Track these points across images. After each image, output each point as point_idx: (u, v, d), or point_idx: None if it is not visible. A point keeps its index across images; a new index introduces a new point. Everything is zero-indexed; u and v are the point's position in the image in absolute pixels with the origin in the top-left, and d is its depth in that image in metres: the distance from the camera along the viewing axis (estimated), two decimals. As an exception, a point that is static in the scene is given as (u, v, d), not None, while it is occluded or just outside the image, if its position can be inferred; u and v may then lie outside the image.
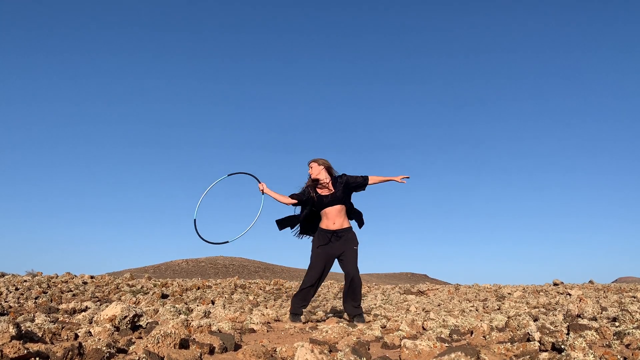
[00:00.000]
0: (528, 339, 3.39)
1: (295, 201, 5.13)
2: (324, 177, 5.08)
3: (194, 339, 3.00)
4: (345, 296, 5.00)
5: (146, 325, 3.82)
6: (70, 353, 2.41)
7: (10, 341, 2.49)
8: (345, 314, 5.37)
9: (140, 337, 3.29)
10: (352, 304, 4.96)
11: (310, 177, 5.12)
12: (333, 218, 5.01)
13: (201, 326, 3.68)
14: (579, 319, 4.79)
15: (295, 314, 4.94)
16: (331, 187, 5.05)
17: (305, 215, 5.14)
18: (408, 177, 5.08)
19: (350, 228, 5.09)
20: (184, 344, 2.86)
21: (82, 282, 11.34)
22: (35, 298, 7.75)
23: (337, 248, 4.98)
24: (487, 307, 7.28)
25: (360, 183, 5.06)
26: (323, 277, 5.06)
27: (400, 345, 3.27)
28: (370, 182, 5.07)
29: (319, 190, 5.07)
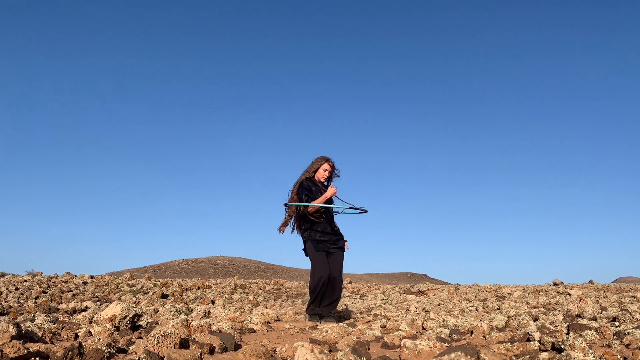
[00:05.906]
0: (528, 338, 3.39)
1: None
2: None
3: (194, 338, 3.00)
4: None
5: (146, 325, 3.82)
6: (70, 353, 2.41)
7: (11, 341, 2.49)
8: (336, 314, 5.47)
9: (140, 337, 3.29)
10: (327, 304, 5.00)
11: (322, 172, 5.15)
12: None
13: (201, 326, 3.68)
14: (579, 318, 4.79)
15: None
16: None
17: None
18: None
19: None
20: (184, 344, 2.86)
21: (82, 282, 11.35)
22: (35, 298, 7.75)
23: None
24: (487, 307, 7.28)
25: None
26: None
27: (400, 345, 3.27)
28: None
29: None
